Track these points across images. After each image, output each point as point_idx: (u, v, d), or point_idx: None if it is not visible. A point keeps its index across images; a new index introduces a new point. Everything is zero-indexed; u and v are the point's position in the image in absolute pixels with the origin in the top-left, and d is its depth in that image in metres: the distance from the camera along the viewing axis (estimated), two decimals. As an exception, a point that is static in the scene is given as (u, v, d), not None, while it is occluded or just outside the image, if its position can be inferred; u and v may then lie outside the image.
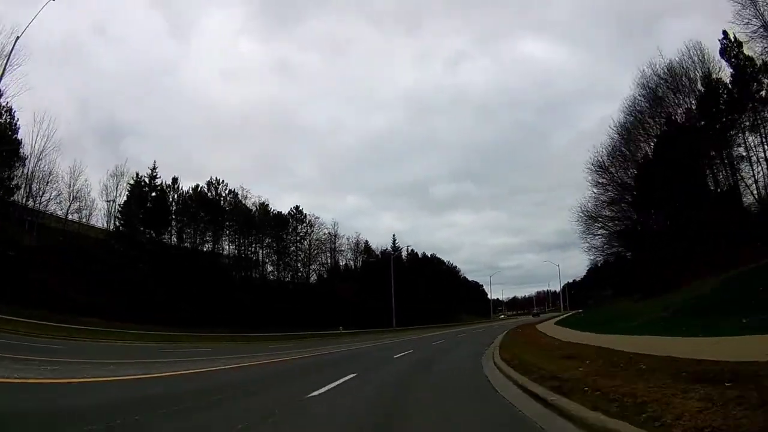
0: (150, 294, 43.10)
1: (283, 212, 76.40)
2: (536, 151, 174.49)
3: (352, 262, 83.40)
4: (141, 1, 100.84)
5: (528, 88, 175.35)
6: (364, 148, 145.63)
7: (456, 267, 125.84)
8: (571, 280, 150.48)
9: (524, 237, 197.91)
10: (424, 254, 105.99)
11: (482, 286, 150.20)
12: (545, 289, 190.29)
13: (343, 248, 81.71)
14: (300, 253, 78.37)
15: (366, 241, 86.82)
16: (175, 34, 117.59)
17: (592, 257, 64.88)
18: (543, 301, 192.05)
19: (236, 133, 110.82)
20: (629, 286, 48.70)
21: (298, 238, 78.98)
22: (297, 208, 79.77)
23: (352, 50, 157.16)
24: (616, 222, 54.87)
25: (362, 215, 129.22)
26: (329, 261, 79.12)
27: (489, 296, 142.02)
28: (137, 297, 40.93)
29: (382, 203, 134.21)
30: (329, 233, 77.99)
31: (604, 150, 49.18)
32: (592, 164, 50.42)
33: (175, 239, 59.09)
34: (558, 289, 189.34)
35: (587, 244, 57.35)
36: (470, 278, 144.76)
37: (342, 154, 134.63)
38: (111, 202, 51.04)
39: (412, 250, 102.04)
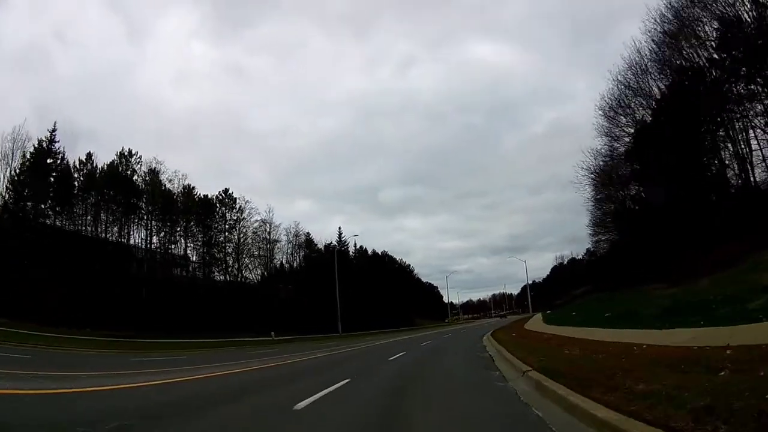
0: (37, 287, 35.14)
1: (209, 195, 62.91)
2: (486, 154, 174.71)
3: (290, 258, 70.53)
4: (99, 4, 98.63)
5: (478, 91, 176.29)
6: (314, 153, 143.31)
7: (410, 266, 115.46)
8: (526, 282, 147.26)
9: (475, 241, 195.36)
10: (374, 252, 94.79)
11: (437, 288, 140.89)
12: (501, 291, 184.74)
13: (280, 240, 68.78)
14: (229, 245, 64.84)
15: (308, 233, 74.37)
16: (132, 38, 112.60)
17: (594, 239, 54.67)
18: (500, 303, 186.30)
19: (188, 136, 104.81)
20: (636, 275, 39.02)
21: (226, 227, 65.46)
22: (226, 191, 66.33)
23: (302, 54, 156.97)
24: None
25: (312, 220, 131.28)
26: (264, 255, 66.00)
27: (446, 298, 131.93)
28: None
29: (332, 208, 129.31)
30: (263, 221, 64.92)
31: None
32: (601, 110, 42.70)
33: (85, 225, 50.74)
34: (515, 292, 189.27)
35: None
36: (424, 280, 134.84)
37: (292, 158, 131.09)
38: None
39: (362, 247, 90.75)
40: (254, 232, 64.31)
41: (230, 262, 65.43)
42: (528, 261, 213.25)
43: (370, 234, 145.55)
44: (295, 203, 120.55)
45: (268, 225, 65.61)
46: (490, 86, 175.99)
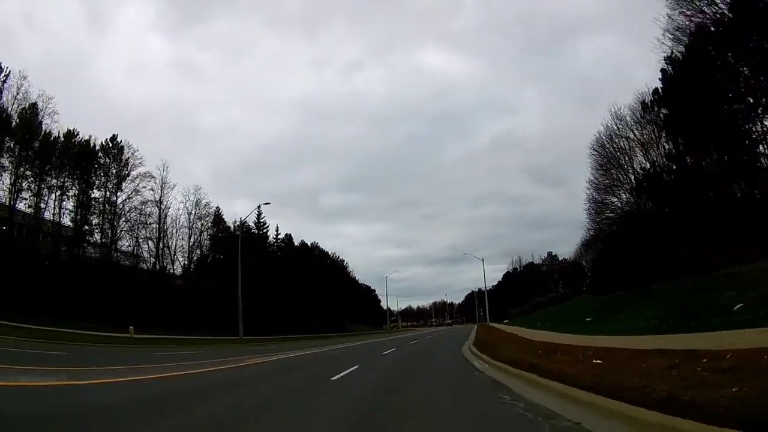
0: None
1: (92, 140, 45.94)
2: (428, 163, 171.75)
3: (192, 236, 53.69)
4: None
5: (424, 99, 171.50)
6: (257, 153, 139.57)
7: (344, 262, 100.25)
8: (470, 291, 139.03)
9: (413, 250, 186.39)
10: (303, 243, 79.07)
11: (375, 292, 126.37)
12: (442, 299, 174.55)
13: (176, 210, 52.09)
14: (108, 206, 47.50)
15: (217, 208, 57.82)
16: (93, 27, 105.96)
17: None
18: (440, 312, 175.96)
19: (136, 129, 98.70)
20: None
21: (110, 184, 48.02)
22: (113, 138, 49.00)
23: (251, 53, 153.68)
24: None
25: (250, 221, 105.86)
26: (151, 223, 49.19)
27: (385, 303, 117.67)
28: None
29: (270, 210, 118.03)
30: (147, 174, 48.19)
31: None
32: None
33: None
34: (455, 301, 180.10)
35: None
36: (361, 281, 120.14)
37: (234, 157, 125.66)
38: None
39: (288, 236, 74.57)
40: (135, 190, 47.19)
41: (111, 233, 47.98)
42: (467, 272, 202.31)
43: (308, 239, 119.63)
44: (235, 203, 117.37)
45: (155, 183, 48.64)
46: (437, 95, 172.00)
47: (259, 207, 62.47)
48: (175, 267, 53.00)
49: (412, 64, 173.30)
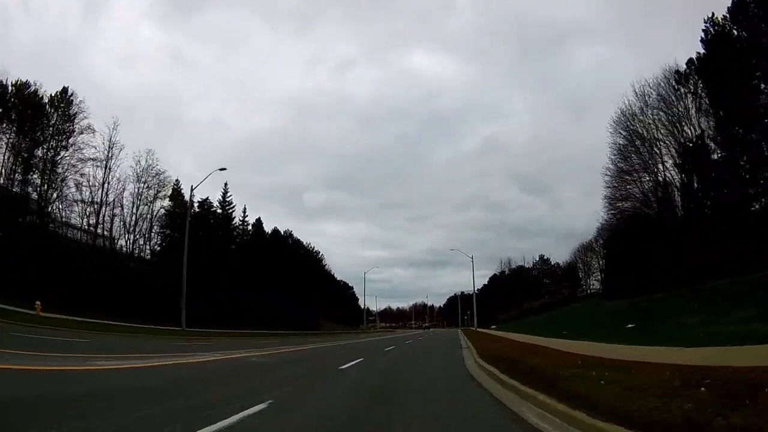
0: None
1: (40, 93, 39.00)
2: (414, 165, 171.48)
3: (143, 208, 46.33)
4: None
5: (413, 100, 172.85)
6: (243, 148, 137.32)
7: (319, 254, 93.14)
8: (453, 294, 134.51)
9: (395, 251, 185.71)
10: (275, 229, 72.05)
11: (353, 289, 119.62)
12: (422, 301, 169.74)
13: (124, 175, 44.82)
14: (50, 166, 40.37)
15: (177, 181, 50.59)
16: (87, 14, 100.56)
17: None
18: (420, 314, 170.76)
19: (124, 118, 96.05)
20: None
21: (54, 142, 40.85)
22: (64, 91, 41.87)
23: (243, 47, 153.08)
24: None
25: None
26: (94, 186, 42.01)
27: (363, 302, 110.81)
28: None
29: (254, 205, 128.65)
30: (88, 129, 41.03)
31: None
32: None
33: None
34: (438, 304, 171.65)
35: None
36: (338, 277, 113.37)
37: (222, 150, 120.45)
38: None
39: (258, 220, 67.14)
40: (78, 148, 40.01)
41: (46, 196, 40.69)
42: (448, 276, 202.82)
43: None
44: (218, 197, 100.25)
45: (102, 141, 41.47)
46: (427, 97, 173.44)
47: (225, 185, 55.33)
48: (119, 242, 45.69)
49: (403, 64, 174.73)
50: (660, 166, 30.79)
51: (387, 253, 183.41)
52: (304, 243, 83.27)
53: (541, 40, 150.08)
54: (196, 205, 53.00)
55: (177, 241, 48.56)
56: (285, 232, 74.80)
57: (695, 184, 28.10)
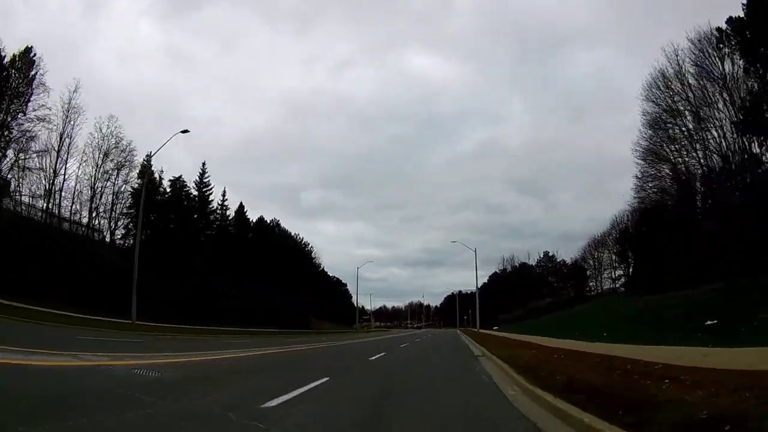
0: None
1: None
2: (411, 166, 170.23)
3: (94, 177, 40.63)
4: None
5: (412, 101, 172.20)
6: (241, 146, 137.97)
7: (309, 247, 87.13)
8: (450, 293, 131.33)
9: (391, 251, 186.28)
10: (261, 218, 66.44)
11: (346, 285, 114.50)
12: (418, 300, 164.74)
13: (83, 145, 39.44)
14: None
15: (147, 156, 44.81)
16: (87, 10, 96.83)
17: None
18: (416, 314, 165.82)
19: (122, 115, 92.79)
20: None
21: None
22: (27, 50, 36.54)
23: (242, 45, 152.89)
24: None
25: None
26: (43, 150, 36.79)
27: (355, 300, 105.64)
28: None
29: (251, 203, 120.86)
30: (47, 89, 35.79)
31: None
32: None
33: None
34: (435, 304, 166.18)
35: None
36: (331, 274, 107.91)
37: (219, 147, 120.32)
38: None
39: (241, 206, 61.34)
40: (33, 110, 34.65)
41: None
42: (442, 276, 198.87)
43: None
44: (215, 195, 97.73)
45: (60, 102, 36.23)
46: (425, 98, 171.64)
47: (203, 164, 49.87)
48: (79, 221, 40.16)
49: (402, 65, 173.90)
50: (709, 134, 26.00)
51: (383, 253, 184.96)
52: (293, 234, 77.81)
53: (540, 43, 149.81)
54: (167, 183, 47.74)
55: (147, 223, 43.39)
56: (272, 221, 69.38)
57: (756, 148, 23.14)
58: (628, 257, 45.47)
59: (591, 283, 65.98)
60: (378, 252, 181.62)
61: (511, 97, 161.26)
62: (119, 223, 43.95)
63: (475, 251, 48.93)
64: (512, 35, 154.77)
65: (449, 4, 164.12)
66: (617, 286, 58.58)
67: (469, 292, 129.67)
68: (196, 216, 49.38)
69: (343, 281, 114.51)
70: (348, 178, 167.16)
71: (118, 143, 41.02)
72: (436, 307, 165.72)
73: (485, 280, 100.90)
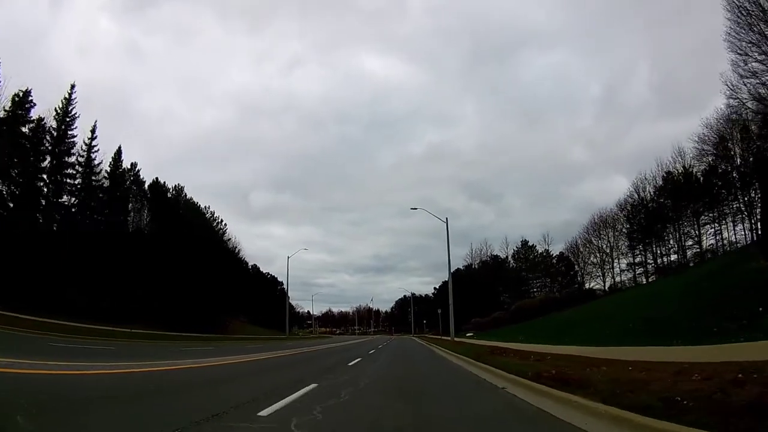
0: None
1: None
2: (359, 168, 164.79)
3: None
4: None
5: (361, 102, 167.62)
6: (190, 143, 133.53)
7: (223, 227, 68.18)
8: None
9: (340, 256, 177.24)
10: (156, 181, 48.89)
11: (282, 284, 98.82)
12: (367, 305, 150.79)
13: None
14: None
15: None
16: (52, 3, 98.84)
17: None
18: (365, 319, 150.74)
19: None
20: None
21: None
22: None
23: (195, 42, 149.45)
24: None
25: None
26: None
27: (297, 302, 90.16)
28: None
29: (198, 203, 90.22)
30: None
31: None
32: None
33: None
34: (385, 308, 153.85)
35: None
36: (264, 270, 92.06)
37: (167, 145, 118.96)
38: None
39: (134, 165, 44.66)
40: None
41: None
42: (391, 282, 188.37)
43: (235, 236, 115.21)
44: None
45: None
46: (375, 99, 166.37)
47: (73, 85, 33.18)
48: None
49: (352, 65, 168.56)
50: None
51: (333, 258, 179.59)
52: (203, 207, 60.67)
53: (494, 44, 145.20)
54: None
55: None
56: (175, 186, 52.48)
57: None
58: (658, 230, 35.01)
59: (596, 276, 54.98)
60: (328, 258, 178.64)
61: (464, 100, 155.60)
62: None
63: (447, 222, 34.80)
64: (465, 36, 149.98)
65: (402, 4, 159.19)
66: (637, 273, 48.32)
67: (423, 295, 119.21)
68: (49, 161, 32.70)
69: (279, 279, 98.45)
70: (296, 180, 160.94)
71: None
72: (386, 312, 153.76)
73: (438, 285, 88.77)
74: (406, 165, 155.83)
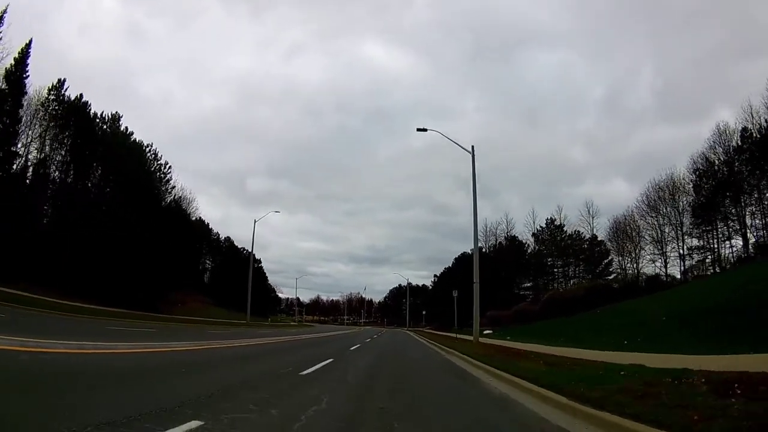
0: None
1: None
2: (358, 159, 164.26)
3: None
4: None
5: (362, 92, 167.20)
6: (190, 127, 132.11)
7: (169, 171, 54.36)
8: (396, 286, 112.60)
9: (336, 246, 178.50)
10: (84, 104, 36.86)
11: (260, 262, 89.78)
12: (358, 293, 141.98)
13: None
14: None
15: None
16: None
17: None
18: (356, 309, 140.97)
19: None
20: None
21: None
22: None
23: (197, 25, 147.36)
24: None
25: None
26: None
27: (278, 282, 79.85)
28: None
29: (196, 187, 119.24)
30: None
31: None
32: None
33: None
34: (379, 299, 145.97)
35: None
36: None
37: (168, 127, 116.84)
38: None
39: (80, 97, 33.57)
40: None
41: None
42: (386, 275, 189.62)
43: (230, 221, 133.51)
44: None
45: None
46: (376, 90, 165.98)
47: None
48: None
49: (354, 54, 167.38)
50: None
51: (328, 247, 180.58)
52: (147, 146, 48.16)
53: (497, 42, 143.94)
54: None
55: None
56: (113, 116, 40.31)
57: None
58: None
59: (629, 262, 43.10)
60: (324, 246, 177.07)
61: (465, 95, 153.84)
62: None
63: (473, 151, 22.93)
64: (469, 31, 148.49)
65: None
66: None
67: (420, 285, 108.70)
68: None
69: (258, 258, 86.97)
70: (294, 167, 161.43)
71: None
72: (379, 303, 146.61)
73: (438, 272, 77.41)
74: (405, 157, 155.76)
